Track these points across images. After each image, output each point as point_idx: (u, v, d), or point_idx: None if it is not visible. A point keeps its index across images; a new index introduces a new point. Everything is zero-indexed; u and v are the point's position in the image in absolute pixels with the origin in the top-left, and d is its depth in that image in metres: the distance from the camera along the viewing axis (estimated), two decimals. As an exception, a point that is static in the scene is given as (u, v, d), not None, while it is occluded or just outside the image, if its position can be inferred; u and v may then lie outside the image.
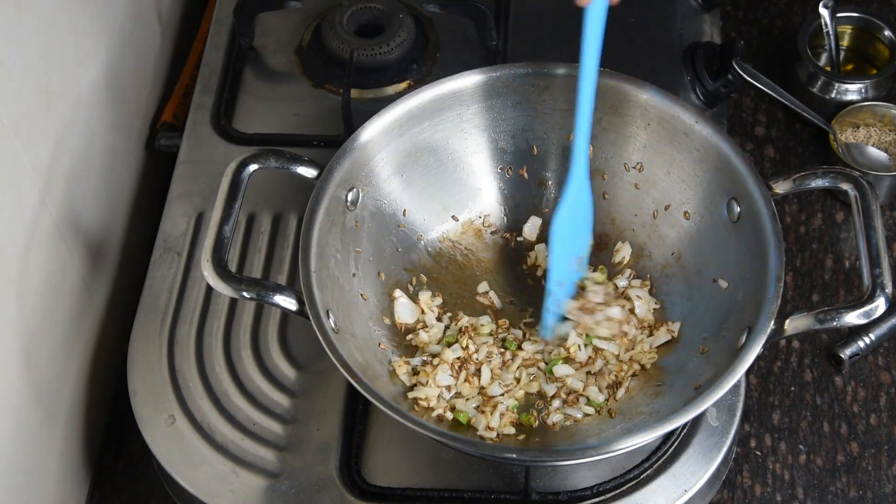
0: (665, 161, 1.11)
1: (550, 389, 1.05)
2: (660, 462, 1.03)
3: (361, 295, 1.08)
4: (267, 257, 1.16)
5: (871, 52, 1.38)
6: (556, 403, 1.04)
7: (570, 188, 1.07)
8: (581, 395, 1.05)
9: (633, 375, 1.06)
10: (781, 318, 0.96)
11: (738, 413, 1.06)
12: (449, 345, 1.07)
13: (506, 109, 1.14)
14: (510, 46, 1.32)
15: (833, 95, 1.32)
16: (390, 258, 1.13)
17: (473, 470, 1.04)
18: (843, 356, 1.17)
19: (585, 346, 1.07)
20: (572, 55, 1.12)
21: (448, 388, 1.04)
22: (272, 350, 1.11)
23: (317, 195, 1.04)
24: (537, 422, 1.04)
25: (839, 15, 1.35)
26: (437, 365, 1.05)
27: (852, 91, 1.32)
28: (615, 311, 1.08)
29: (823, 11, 1.33)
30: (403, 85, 1.29)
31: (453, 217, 1.17)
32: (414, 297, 1.12)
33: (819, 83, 1.32)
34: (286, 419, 1.07)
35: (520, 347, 1.08)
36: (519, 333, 1.10)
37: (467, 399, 1.04)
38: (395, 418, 0.94)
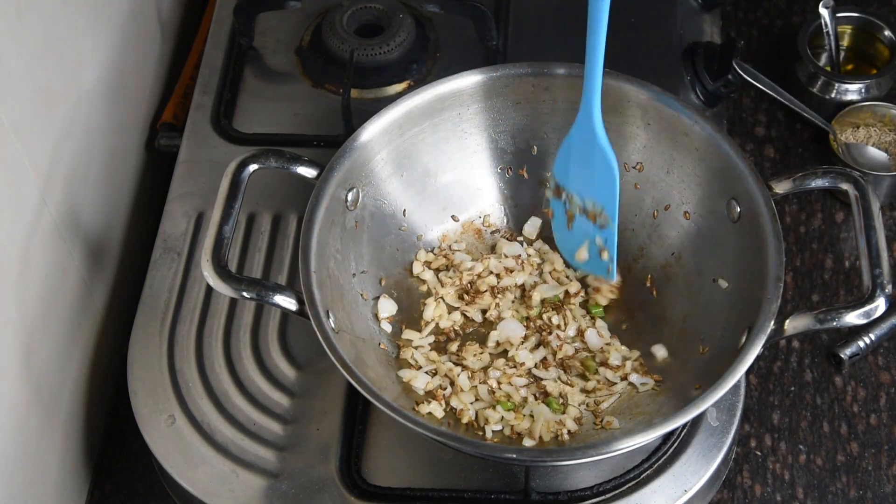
0: (665, 161, 1.11)
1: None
2: (660, 462, 1.03)
3: (361, 295, 1.08)
4: (267, 257, 1.16)
5: (871, 52, 1.38)
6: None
7: (576, 126, 1.07)
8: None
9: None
10: (781, 318, 0.96)
11: (738, 413, 1.06)
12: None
13: (506, 109, 1.14)
14: (510, 46, 1.32)
15: (833, 95, 1.32)
16: (390, 258, 1.13)
17: (473, 470, 1.04)
18: (843, 356, 1.17)
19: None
20: (572, 55, 1.12)
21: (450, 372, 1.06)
22: (272, 350, 1.11)
23: (317, 195, 1.04)
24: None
25: (839, 15, 1.35)
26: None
27: (852, 91, 1.32)
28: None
29: (823, 11, 1.33)
30: (403, 85, 1.29)
31: (453, 217, 1.17)
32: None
33: (819, 83, 1.32)
34: (286, 419, 1.07)
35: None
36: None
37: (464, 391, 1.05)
38: (394, 418, 0.94)
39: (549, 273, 1.14)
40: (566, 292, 1.12)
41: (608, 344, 1.08)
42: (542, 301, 1.12)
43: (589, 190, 1.09)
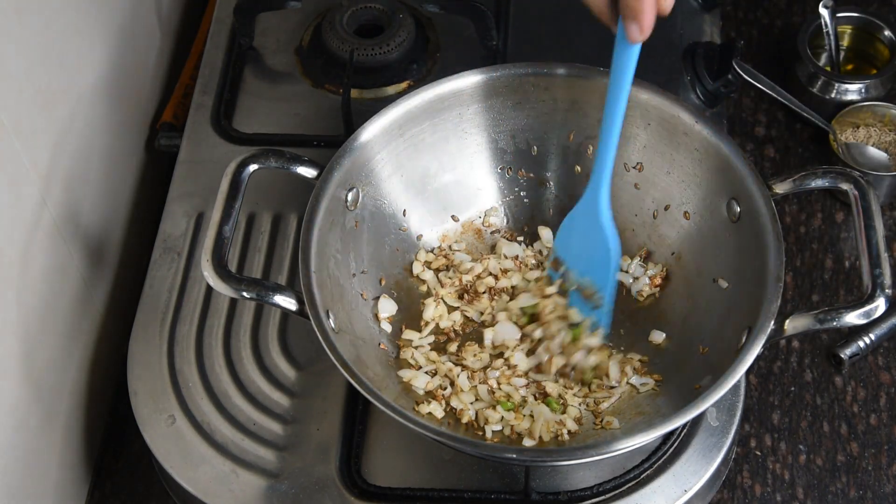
0: (665, 161, 1.11)
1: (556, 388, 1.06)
2: (660, 462, 1.03)
3: (361, 295, 1.08)
4: (267, 257, 1.16)
5: (871, 52, 1.38)
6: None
7: (583, 202, 1.06)
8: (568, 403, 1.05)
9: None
10: (781, 318, 0.96)
11: (738, 413, 1.06)
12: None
13: (506, 109, 1.14)
14: (510, 46, 1.32)
15: (833, 95, 1.32)
16: (390, 258, 1.13)
17: (473, 470, 1.04)
18: (843, 356, 1.17)
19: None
20: (572, 55, 1.12)
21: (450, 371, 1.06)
22: (272, 350, 1.11)
23: (317, 195, 1.04)
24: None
25: (839, 15, 1.35)
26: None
27: (852, 91, 1.32)
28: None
29: (823, 11, 1.33)
30: (403, 85, 1.29)
31: (453, 217, 1.17)
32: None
33: (819, 83, 1.32)
34: (286, 419, 1.07)
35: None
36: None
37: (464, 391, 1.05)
38: (394, 418, 0.94)
39: (535, 281, 1.12)
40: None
41: (600, 361, 1.07)
42: (523, 310, 1.11)
43: (587, 268, 1.08)
